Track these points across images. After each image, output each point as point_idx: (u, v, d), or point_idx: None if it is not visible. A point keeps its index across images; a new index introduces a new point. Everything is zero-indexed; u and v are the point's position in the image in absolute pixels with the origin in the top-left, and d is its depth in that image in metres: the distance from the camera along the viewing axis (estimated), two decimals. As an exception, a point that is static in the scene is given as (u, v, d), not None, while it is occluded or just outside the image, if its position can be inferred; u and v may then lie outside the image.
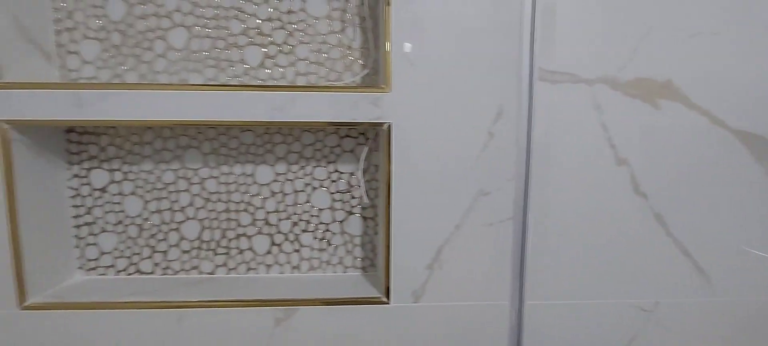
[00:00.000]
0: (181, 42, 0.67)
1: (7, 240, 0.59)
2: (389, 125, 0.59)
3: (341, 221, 0.72)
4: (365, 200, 0.70)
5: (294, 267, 0.73)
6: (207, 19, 0.67)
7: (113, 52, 0.67)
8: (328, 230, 0.73)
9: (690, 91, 0.62)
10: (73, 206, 0.70)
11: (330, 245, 0.73)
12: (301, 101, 0.58)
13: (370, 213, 0.72)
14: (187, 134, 0.69)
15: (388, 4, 0.58)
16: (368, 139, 0.70)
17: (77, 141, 0.69)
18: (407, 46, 0.59)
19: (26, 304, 0.61)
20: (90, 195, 0.70)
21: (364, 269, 0.74)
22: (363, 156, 0.70)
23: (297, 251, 0.73)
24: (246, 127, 0.69)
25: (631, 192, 0.63)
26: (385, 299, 0.63)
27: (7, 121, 0.58)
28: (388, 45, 0.58)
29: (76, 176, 0.70)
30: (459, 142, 0.60)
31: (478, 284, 0.64)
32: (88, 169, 0.70)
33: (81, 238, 0.71)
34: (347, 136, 0.70)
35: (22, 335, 0.62)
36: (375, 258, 0.73)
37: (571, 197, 0.63)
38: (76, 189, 0.70)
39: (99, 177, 0.70)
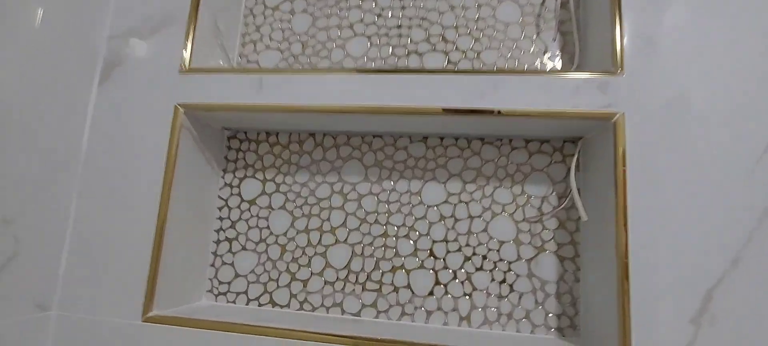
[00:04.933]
0: (360, 51, 0.65)
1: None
2: (620, 116, 0.46)
3: (529, 260, 0.56)
4: (584, 216, 0.51)
5: (462, 318, 0.56)
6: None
7: (291, 61, 0.66)
8: (510, 271, 0.56)
9: None
10: (218, 219, 0.63)
11: (513, 291, 0.55)
12: (505, 86, 0.49)
13: (569, 252, 0.55)
14: (350, 144, 0.62)
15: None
16: (568, 155, 0.57)
17: (237, 148, 0.65)
18: None
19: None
20: (238, 207, 0.63)
21: (560, 329, 0.54)
22: (573, 163, 0.54)
23: (468, 295, 0.56)
24: (420, 134, 0.60)
25: None
26: (619, 369, 0.42)
27: (182, 105, 0.55)
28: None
29: (227, 184, 0.64)
30: (728, 142, 0.45)
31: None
32: (241, 179, 0.64)
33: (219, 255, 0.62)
34: (539, 151, 0.58)
35: None
36: (576, 316, 0.53)
37: None
38: (225, 199, 0.64)
39: (250, 187, 0.64)
